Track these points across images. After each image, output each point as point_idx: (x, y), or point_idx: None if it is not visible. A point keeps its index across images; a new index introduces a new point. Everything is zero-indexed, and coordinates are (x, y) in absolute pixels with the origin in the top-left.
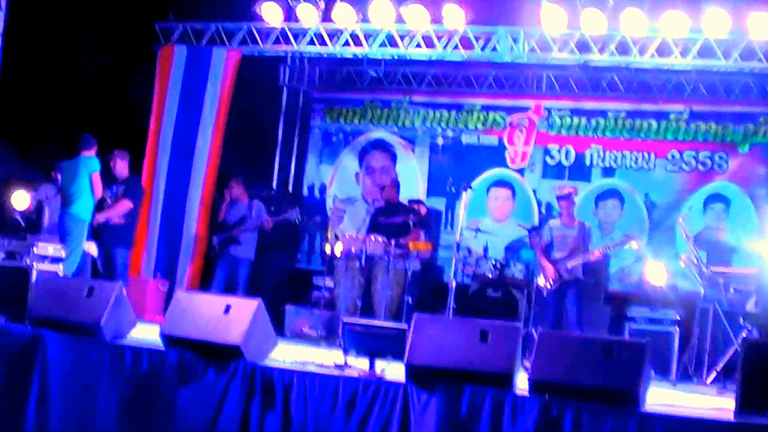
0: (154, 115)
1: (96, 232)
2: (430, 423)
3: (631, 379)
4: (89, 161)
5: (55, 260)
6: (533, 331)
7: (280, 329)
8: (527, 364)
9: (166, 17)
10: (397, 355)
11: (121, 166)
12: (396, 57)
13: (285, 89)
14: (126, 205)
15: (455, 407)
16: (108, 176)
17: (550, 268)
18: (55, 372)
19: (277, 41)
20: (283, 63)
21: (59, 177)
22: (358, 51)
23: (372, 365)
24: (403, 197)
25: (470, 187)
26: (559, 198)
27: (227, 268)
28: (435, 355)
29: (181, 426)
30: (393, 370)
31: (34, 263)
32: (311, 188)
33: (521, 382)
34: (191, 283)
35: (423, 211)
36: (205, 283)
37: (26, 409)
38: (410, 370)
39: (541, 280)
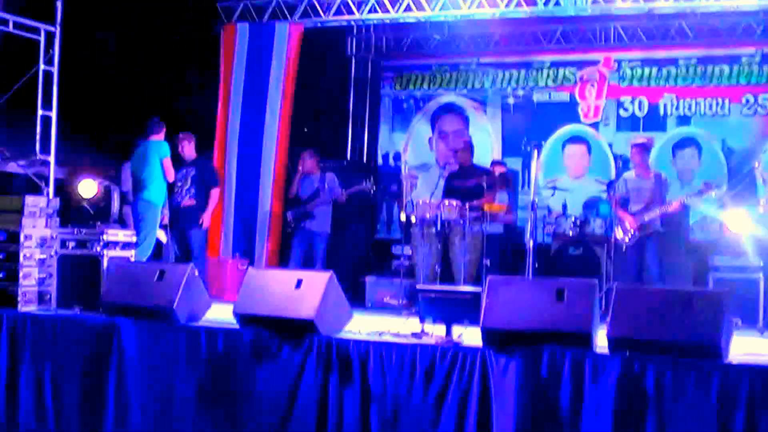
0: (221, 94)
1: (171, 216)
2: (510, 387)
3: (711, 331)
4: (159, 146)
5: (126, 246)
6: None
7: (361, 301)
8: None
9: None
10: (474, 320)
11: (189, 149)
12: (459, 18)
13: (353, 59)
14: (216, 194)
15: (535, 370)
16: (176, 159)
17: (629, 218)
18: (131, 358)
19: (338, 11)
20: (349, 33)
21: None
22: (421, 15)
23: (449, 331)
24: (478, 159)
25: (540, 146)
26: (631, 147)
27: (304, 243)
28: (511, 317)
29: (260, 405)
30: (470, 335)
31: (105, 251)
32: (386, 157)
33: (601, 340)
34: (270, 260)
35: (498, 172)
36: (283, 259)
37: (106, 396)
38: (487, 334)
39: (618, 233)
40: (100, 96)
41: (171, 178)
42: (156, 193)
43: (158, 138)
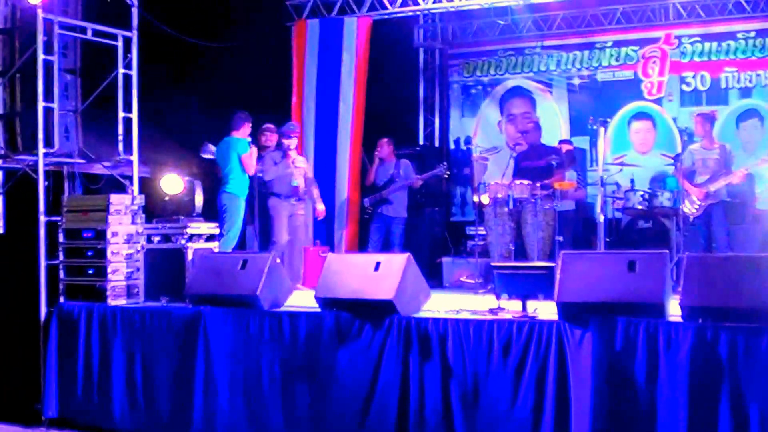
0: (295, 88)
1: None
2: (586, 358)
3: None
4: (237, 143)
5: (210, 238)
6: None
7: (439, 281)
8: None
9: None
10: (549, 294)
11: (273, 139)
12: (522, 3)
13: (421, 49)
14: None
15: (610, 340)
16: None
17: (694, 190)
18: (217, 344)
19: (404, 3)
20: (415, 24)
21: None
22: (484, 2)
23: (524, 306)
24: (546, 139)
25: (606, 124)
26: (695, 116)
27: (382, 228)
28: (585, 290)
29: (343, 385)
30: (545, 310)
31: (189, 243)
32: (457, 142)
33: (674, 309)
34: (349, 246)
35: (564, 150)
36: (362, 245)
37: (194, 381)
38: (561, 307)
39: (686, 205)
40: (179, 96)
41: (250, 172)
42: (238, 185)
43: (237, 134)
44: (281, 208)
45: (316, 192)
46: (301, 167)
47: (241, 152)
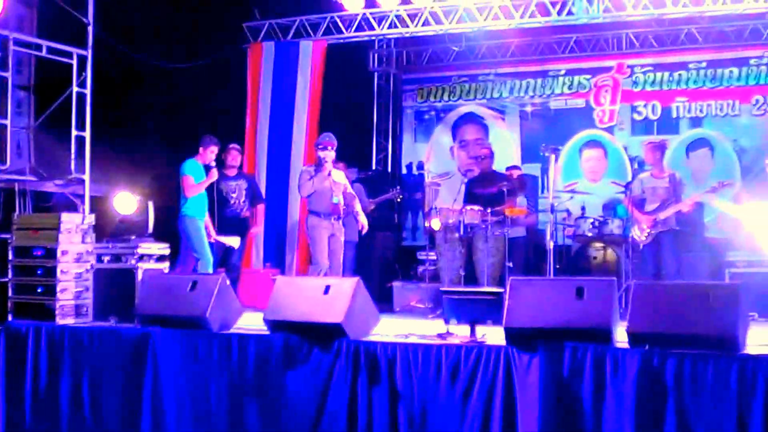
0: (249, 110)
1: (225, 226)
2: (534, 382)
3: (728, 323)
4: (183, 165)
5: (160, 258)
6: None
7: (389, 306)
8: None
9: (251, 17)
10: (497, 320)
11: (239, 159)
12: (477, 30)
13: (375, 74)
14: (263, 208)
15: (557, 365)
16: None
17: (644, 218)
18: (165, 366)
19: (359, 28)
20: (370, 49)
21: None
22: (439, 28)
23: (473, 331)
24: (497, 166)
25: (558, 151)
26: (646, 145)
27: None
28: (533, 316)
29: (291, 407)
30: (494, 335)
31: (139, 264)
32: (409, 167)
33: (621, 336)
34: (300, 269)
35: (515, 176)
36: None
37: (142, 403)
38: (509, 333)
39: (635, 233)
40: (134, 115)
41: (187, 194)
42: (193, 207)
43: (197, 157)
44: (321, 228)
45: (357, 206)
46: (339, 182)
47: (181, 174)
